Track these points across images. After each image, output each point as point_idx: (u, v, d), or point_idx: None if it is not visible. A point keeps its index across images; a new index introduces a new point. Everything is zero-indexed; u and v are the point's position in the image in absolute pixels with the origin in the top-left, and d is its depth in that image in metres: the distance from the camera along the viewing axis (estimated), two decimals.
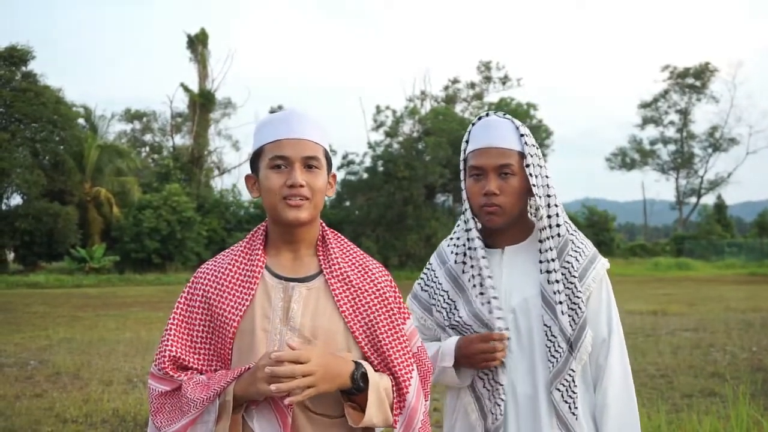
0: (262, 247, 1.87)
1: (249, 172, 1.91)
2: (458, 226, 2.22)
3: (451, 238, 2.25)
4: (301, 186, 1.77)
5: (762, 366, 8.10)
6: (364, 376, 1.75)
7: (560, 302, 2.02)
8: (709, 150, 52.54)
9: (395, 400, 1.81)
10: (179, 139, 45.40)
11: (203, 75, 40.35)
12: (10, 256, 32.89)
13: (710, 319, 13.20)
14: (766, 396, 6.35)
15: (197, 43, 39.87)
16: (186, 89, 40.40)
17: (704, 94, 51.38)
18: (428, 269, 2.30)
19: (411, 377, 1.83)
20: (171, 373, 1.78)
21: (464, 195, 2.15)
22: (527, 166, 2.06)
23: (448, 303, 2.17)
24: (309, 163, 1.80)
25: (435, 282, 2.23)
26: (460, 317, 2.12)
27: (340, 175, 37.57)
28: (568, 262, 2.05)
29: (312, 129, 1.84)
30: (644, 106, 53.45)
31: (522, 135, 2.08)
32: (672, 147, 53.66)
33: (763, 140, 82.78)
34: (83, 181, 34.13)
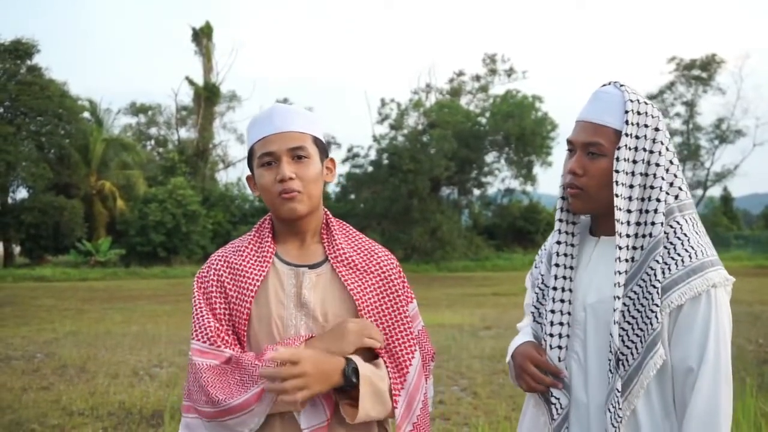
0: (270, 236, 1.89)
1: (249, 172, 1.93)
2: None
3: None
4: (291, 179, 1.78)
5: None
6: (356, 372, 1.74)
7: (614, 309, 1.77)
8: (716, 142, 52.33)
9: (396, 381, 1.81)
10: (184, 133, 45.42)
11: (208, 68, 40.36)
12: (17, 249, 32.99)
13: None
14: None
15: (202, 36, 39.88)
16: (191, 82, 40.43)
17: (711, 86, 51.14)
18: (543, 247, 2.10)
19: (413, 358, 1.85)
20: (220, 344, 1.76)
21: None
22: (618, 147, 1.78)
23: (540, 288, 1.99)
24: (296, 154, 1.81)
25: (541, 262, 2.05)
26: (545, 303, 1.95)
27: (345, 169, 37.59)
28: (651, 268, 1.74)
29: (295, 120, 1.85)
30: (650, 97, 53.19)
31: (627, 111, 1.79)
32: (678, 139, 53.50)
33: None
34: (89, 174, 34.21)
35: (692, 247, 1.77)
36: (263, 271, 1.82)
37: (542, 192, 43.49)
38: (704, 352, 1.70)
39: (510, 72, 42.18)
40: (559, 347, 1.87)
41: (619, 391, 1.75)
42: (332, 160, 1.94)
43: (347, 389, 1.73)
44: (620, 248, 1.77)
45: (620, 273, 1.77)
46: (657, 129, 1.82)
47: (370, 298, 1.84)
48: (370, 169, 36.81)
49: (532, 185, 40.47)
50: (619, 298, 1.77)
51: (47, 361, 8.75)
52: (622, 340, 1.77)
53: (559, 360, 1.87)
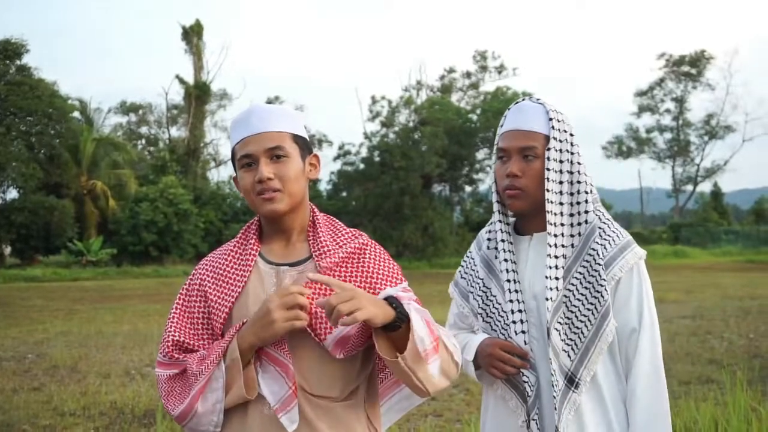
0: (256, 237, 1.90)
1: (233, 171, 1.94)
2: (493, 217, 2.20)
3: (489, 224, 2.23)
4: (269, 179, 1.78)
5: (759, 352, 8.12)
6: (396, 300, 1.70)
7: (549, 298, 1.97)
8: (706, 138, 52.55)
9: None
10: (175, 131, 45.35)
11: (198, 67, 40.28)
12: (7, 249, 32.86)
13: (707, 306, 13.24)
14: (763, 382, 6.37)
15: (192, 35, 39.78)
16: (181, 81, 40.35)
17: (700, 81, 51.35)
18: (468, 256, 2.29)
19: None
20: (176, 355, 1.82)
21: (493, 178, 2.16)
22: (548, 149, 2.02)
23: (483, 291, 2.15)
24: (274, 154, 1.81)
25: (473, 269, 2.23)
26: (498, 304, 2.10)
27: (336, 166, 37.58)
28: (593, 249, 2.00)
29: (272, 120, 1.84)
30: (640, 94, 53.39)
31: (551, 119, 2.05)
32: (668, 135, 53.66)
33: (759, 128, 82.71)
34: (79, 174, 34.08)
35: (617, 229, 2.05)
36: (245, 275, 1.83)
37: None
38: (641, 314, 1.99)
39: (500, 69, 42.27)
40: (523, 332, 2.02)
41: (564, 382, 1.97)
42: (316, 156, 1.93)
43: (397, 325, 1.66)
44: (554, 240, 2.01)
45: (553, 268, 1.99)
46: (572, 134, 2.08)
47: None
48: (361, 166, 36.81)
49: None
50: (552, 300, 1.97)
51: (38, 362, 8.71)
52: (576, 316, 1.99)
53: (525, 343, 2.02)
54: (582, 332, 1.98)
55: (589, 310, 1.97)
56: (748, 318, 11.28)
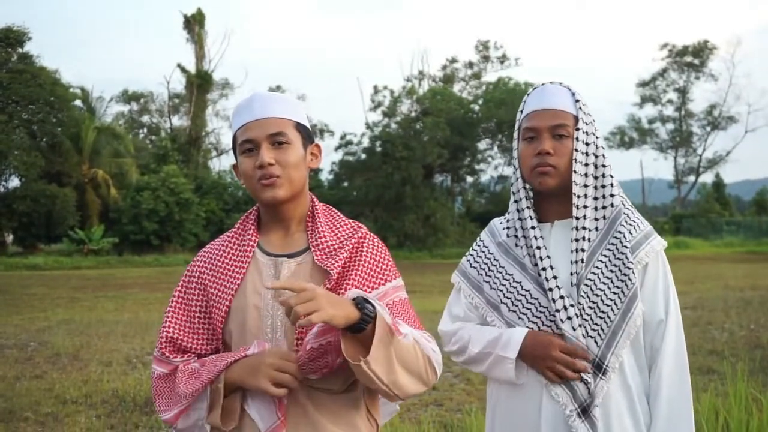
0: (254, 228, 1.89)
1: (234, 160, 1.92)
2: (510, 205, 2.11)
3: (504, 216, 2.17)
4: (270, 165, 1.77)
5: (760, 343, 8.12)
6: (366, 301, 1.64)
7: (572, 284, 1.92)
8: (708, 128, 52.43)
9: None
10: (177, 120, 45.33)
11: (200, 55, 40.20)
12: (9, 238, 32.91)
13: (709, 297, 13.23)
14: (764, 373, 6.37)
15: (194, 24, 39.69)
16: (183, 70, 40.28)
17: (703, 72, 51.19)
18: (478, 245, 2.20)
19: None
20: (168, 354, 1.82)
21: (516, 163, 2.06)
22: (577, 130, 1.97)
23: (506, 279, 2.05)
24: (276, 140, 1.80)
25: (488, 258, 2.13)
26: (526, 290, 1.99)
27: (338, 156, 37.57)
28: (620, 232, 1.94)
29: (275, 106, 1.83)
30: (642, 84, 53.25)
31: (578, 101, 2.00)
32: (670, 126, 53.55)
33: (761, 119, 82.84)
34: (81, 162, 34.10)
35: (638, 217, 2.02)
36: (243, 267, 1.82)
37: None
38: (668, 304, 1.94)
39: (503, 59, 42.21)
40: (581, 325, 1.92)
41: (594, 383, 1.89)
42: (317, 145, 1.92)
43: (362, 327, 1.61)
44: (578, 222, 1.95)
45: (579, 251, 1.93)
46: (594, 120, 2.04)
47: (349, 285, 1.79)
48: (363, 156, 36.79)
49: None
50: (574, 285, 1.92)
51: (40, 350, 8.73)
52: (601, 300, 1.92)
53: (573, 330, 1.92)
54: (608, 316, 1.91)
55: (615, 293, 1.91)
56: (749, 309, 11.27)
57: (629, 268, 1.90)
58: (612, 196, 1.97)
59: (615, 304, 1.90)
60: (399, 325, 1.72)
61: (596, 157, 1.99)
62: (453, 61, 42.83)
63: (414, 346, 1.73)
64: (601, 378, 1.89)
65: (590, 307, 1.92)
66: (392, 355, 1.65)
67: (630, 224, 1.97)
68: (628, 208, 2.01)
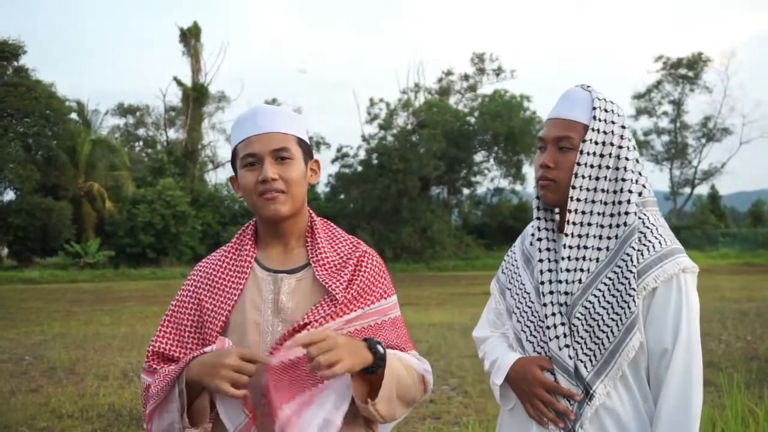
0: (251, 242, 1.88)
1: (232, 173, 1.91)
2: None
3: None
4: (274, 179, 1.76)
5: (757, 355, 8.13)
6: (377, 344, 1.71)
7: (556, 325, 1.86)
8: (703, 140, 52.54)
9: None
10: (173, 133, 45.31)
11: (196, 68, 40.27)
12: (4, 251, 32.81)
13: (705, 308, 13.07)
14: (760, 385, 6.38)
15: (190, 37, 39.77)
16: (179, 83, 40.35)
17: (697, 84, 51.33)
18: (511, 251, 2.14)
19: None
20: (154, 366, 1.83)
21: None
22: (584, 142, 1.85)
23: (520, 288, 2.00)
24: (279, 155, 1.79)
25: (513, 264, 2.09)
26: (532, 302, 1.95)
27: (335, 168, 37.60)
28: (627, 255, 1.80)
29: (279, 121, 1.83)
30: (638, 96, 53.36)
31: (595, 108, 1.87)
32: (666, 137, 53.64)
33: (756, 130, 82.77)
34: (76, 175, 34.03)
35: (661, 235, 1.85)
36: (241, 282, 1.81)
37: (531, 191, 43.55)
38: (678, 333, 1.78)
39: (498, 71, 42.31)
40: (567, 346, 1.85)
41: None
42: (317, 161, 1.92)
43: (373, 370, 1.68)
44: (570, 240, 1.86)
45: (573, 271, 1.84)
46: (623, 127, 1.90)
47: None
48: (359, 168, 36.83)
49: (522, 184, 40.66)
50: (565, 305, 1.85)
51: (36, 364, 8.70)
52: (598, 325, 1.82)
53: (569, 358, 1.84)
54: (603, 343, 1.82)
55: (613, 320, 1.80)
56: (746, 320, 11.29)
57: (630, 295, 1.78)
58: (627, 214, 1.84)
59: (612, 331, 1.81)
60: (398, 355, 1.80)
61: (616, 170, 1.87)
62: (449, 73, 42.95)
63: (411, 375, 1.81)
64: (587, 404, 1.82)
65: (586, 331, 1.84)
66: (394, 394, 1.72)
67: (643, 244, 1.82)
68: (647, 226, 1.86)
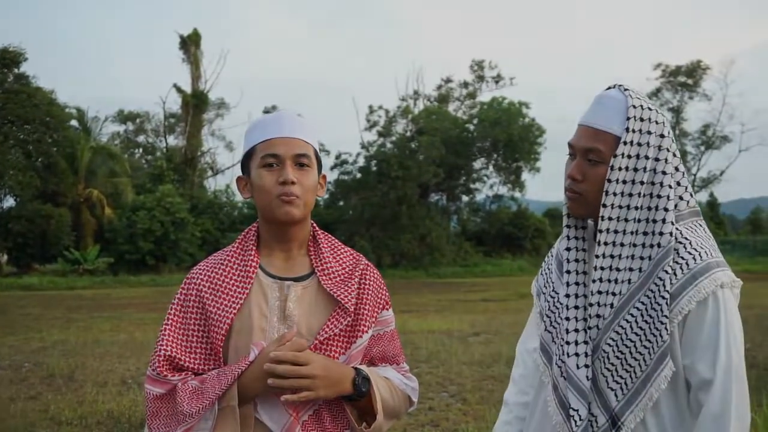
0: (255, 247, 1.88)
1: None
2: None
3: None
4: (293, 183, 1.79)
5: (755, 362, 8.13)
6: (366, 380, 1.79)
7: (577, 355, 1.77)
8: (702, 148, 52.58)
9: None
10: (172, 140, 45.30)
11: (196, 76, 40.27)
12: (4, 258, 32.78)
13: None
14: (759, 393, 6.37)
15: (190, 44, 39.79)
16: (179, 90, 40.33)
17: (696, 92, 51.39)
18: (550, 253, 2.03)
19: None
20: (166, 374, 1.77)
21: None
22: (614, 156, 1.70)
23: (553, 295, 1.91)
24: (300, 161, 1.82)
25: (550, 267, 1.99)
26: (560, 309, 1.87)
27: (334, 175, 37.61)
28: (660, 279, 1.66)
29: (303, 128, 1.86)
30: None
31: (629, 118, 1.70)
32: None
33: (755, 138, 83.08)
34: (76, 182, 34.03)
35: (695, 249, 1.71)
36: (246, 287, 1.81)
37: (530, 198, 43.60)
38: (716, 354, 1.65)
39: (497, 79, 42.32)
40: (586, 366, 1.76)
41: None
42: (324, 176, 1.94)
43: (354, 399, 1.78)
44: (603, 262, 1.74)
45: (610, 294, 1.75)
46: (662, 135, 1.74)
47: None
48: (358, 175, 36.84)
49: (521, 191, 40.68)
50: (589, 329, 1.79)
51: (35, 371, 8.70)
52: (630, 352, 1.71)
53: (587, 379, 1.75)
54: (635, 372, 1.71)
55: (646, 348, 1.68)
56: (745, 328, 11.17)
57: (662, 323, 1.65)
58: (661, 234, 1.69)
59: (644, 359, 1.69)
60: (385, 371, 1.91)
61: (652, 185, 1.72)
62: (448, 80, 42.97)
63: (396, 395, 1.89)
64: None
65: (617, 357, 1.72)
66: (382, 417, 1.81)
67: (676, 262, 1.68)
68: (680, 242, 1.72)
